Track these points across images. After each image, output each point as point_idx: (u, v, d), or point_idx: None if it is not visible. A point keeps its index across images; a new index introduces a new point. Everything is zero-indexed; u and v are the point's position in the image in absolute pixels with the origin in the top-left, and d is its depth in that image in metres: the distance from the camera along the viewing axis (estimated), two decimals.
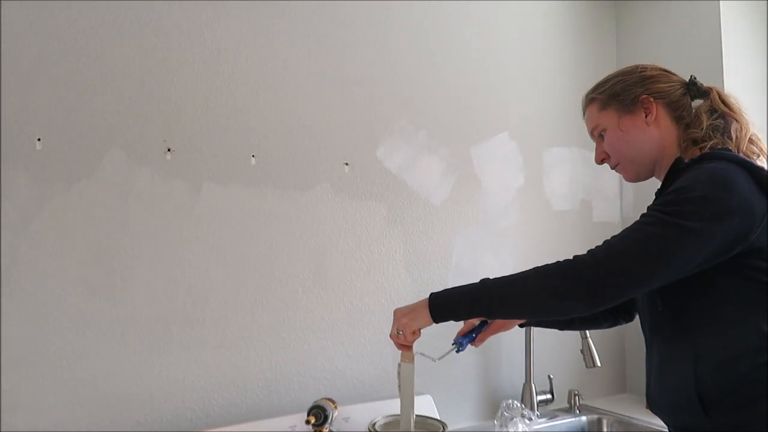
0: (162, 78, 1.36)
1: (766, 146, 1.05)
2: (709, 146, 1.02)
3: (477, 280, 1.02)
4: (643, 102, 1.07)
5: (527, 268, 0.99)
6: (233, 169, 1.43)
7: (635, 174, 1.12)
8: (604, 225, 2.02)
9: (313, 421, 1.28)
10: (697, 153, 1.03)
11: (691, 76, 1.10)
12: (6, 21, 1.21)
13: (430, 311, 1.03)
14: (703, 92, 1.08)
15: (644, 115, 1.07)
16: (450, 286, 1.66)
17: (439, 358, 1.23)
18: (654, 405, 1.08)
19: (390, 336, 1.11)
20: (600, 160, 1.15)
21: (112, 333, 1.29)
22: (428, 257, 1.69)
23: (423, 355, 1.20)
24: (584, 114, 1.17)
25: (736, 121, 1.04)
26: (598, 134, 1.14)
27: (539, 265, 0.99)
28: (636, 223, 0.93)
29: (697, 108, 1.07)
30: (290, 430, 1.34)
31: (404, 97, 1.67)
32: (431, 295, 1.05)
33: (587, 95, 1.16)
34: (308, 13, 1.54)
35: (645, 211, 0.95)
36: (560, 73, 1.98)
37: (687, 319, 0.98)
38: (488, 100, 1.82)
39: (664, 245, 0.88)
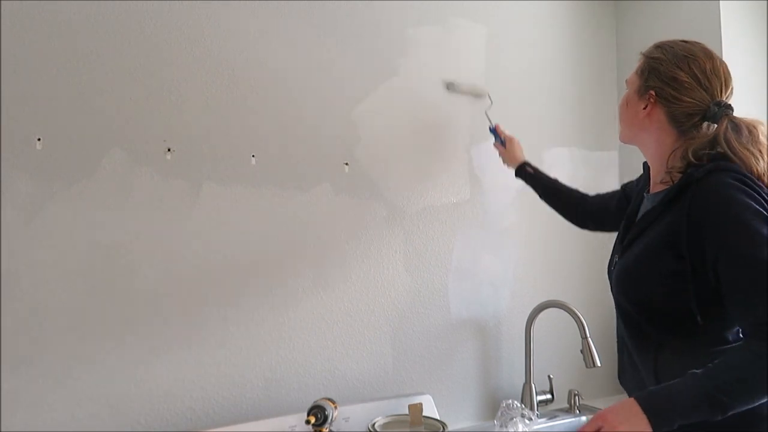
0: (162, 78, 1.36)
1: None
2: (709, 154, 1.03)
3: (688, 378, 0.94)
4: (649, 96, 1.11)
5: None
6: (233, 169, 1.43)
7: (621, 138, 1.22)
8: None
9: (313, 421, 1.28)
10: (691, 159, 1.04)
11: (716, 102, 1.05)
12: (6, 21, 1.21)
13: (652, 421, 0.92)
14: (714, 121, 1.05)
15: (644, 106, 1.11)
16: (450, 287, 1.70)
17: (487, 114, 1.74)
18: (622, 378, 1.21)
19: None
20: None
21: (112, 333, 1.29)
22: (428, 257, 1.69)
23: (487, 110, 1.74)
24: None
25: (743, 164, 1.00)
26: (626, 87, 1.20)
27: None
28: (747, 286, 0.92)
29: (696, 138, 1.05)
30: (290, 430, 1.34)
31: (404, 98, 1.67)
32: (641, 401, 0.94)
33: (648, 49, 1.16)
34: (308, 13, 1.54)
35: None
36: (560, 73, 1.98)
37: (654, 312, 1.05)
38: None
39: None
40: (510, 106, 1.86)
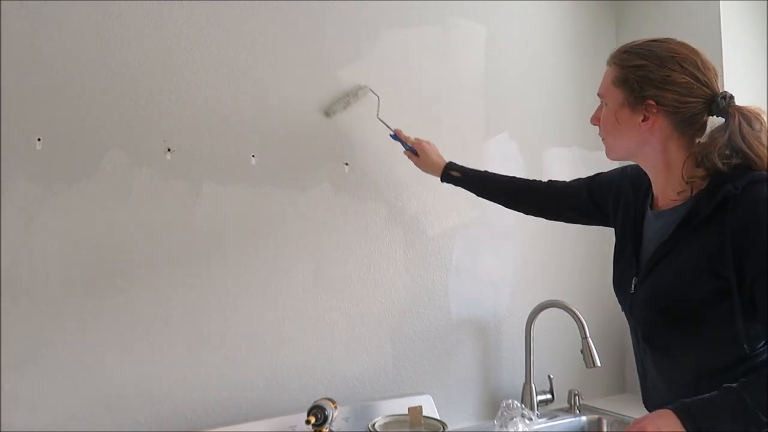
0: (162, 78, 1.36)
1: None
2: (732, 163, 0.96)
3: (726, 391, 0.91)
4: (647, 106, 1.01)
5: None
6: (233, 169, 1.43)
7: (611, 155, 1.13)
8: None
9: (313, 421, 1.28)
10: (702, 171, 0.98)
11: (722, 93, 0.99)
12: (6, 21, 1.21)
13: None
14: (724, 114, 0.98)
15: (642, 118, 1.02)
16: (450, 287, 1.70)
17: (379, 118, 1.56)
18: (649, 404, 1.12)
19: None
20: (593, 123, 1.14)
21: (112, 333, 1.29)
22: (428, 257, 1.69)
23: (378, 106, 1.57)
24: (607, 63, 1.09)
25: (759, 160, 0.95)
26: (601, 100, 1.10)
27: None
28: None
29: (711, 138, 0.99)
30: (290, 430, 1.34)
31: (404, 97, 1.67)
32: (681, 414, 0.90)
33: (614, 55, 1.07)
34: (308, 13, 1.54)
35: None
36: (560, 73, 1.98)
37: (691, 333, 0.99)
38: (488, 100, 1.81)
39: None
40: (510, 106, 1.86)
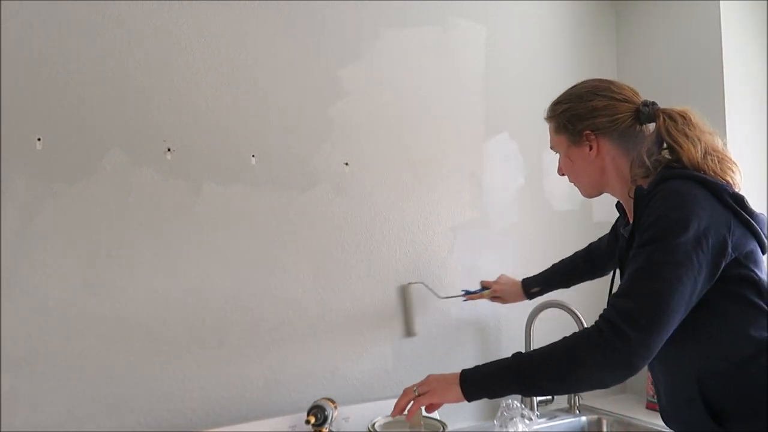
0: (162, 78, 1.36)
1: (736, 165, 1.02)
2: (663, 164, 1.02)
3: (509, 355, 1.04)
4: (587, 137, 1.10)
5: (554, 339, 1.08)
6: (233, 169, 1.43)
7: (586, 194, 1.19)
8: (605, 225, 2.01)
9: (312, 421, 1.28)
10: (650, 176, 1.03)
11: (643, 102, 1.08)
12: (6, 21, 1.21)
13: (462, 389, 1.04)
14: (651, 119, 1.07)
15: (588, 148, 1.10)
16: (449, 288, 1.69)
17: (444, 298, 1.60)
18: (667, 419, 1.11)
19: (405, 390, 1.12)
20: (559, 173, 1.22)
21: (112, 333, 1.29)
22: (428, 257, 1.69)
23: (428, 288, 1.61)
24: (545, 119, 1.20)
25: (683, 151, 1.01)
26: (555, 151, 1.20)
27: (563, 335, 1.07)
28: (630, 277, 0.95)
29: (644, 142, 1.06)
30: (290, 430, 1.34)
31: (404, 98, 1.67)
32: (462, 372, 1.05)
33: (546, 112, 1.18)
34: (308, 13, 1.54)
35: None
36: (560, 74, 1.98)
37: (681, 336, 0.98)
38: (488, 100, 1.82)
39: (672, 293, 0.90)
40: (510, 106, 1.86)
